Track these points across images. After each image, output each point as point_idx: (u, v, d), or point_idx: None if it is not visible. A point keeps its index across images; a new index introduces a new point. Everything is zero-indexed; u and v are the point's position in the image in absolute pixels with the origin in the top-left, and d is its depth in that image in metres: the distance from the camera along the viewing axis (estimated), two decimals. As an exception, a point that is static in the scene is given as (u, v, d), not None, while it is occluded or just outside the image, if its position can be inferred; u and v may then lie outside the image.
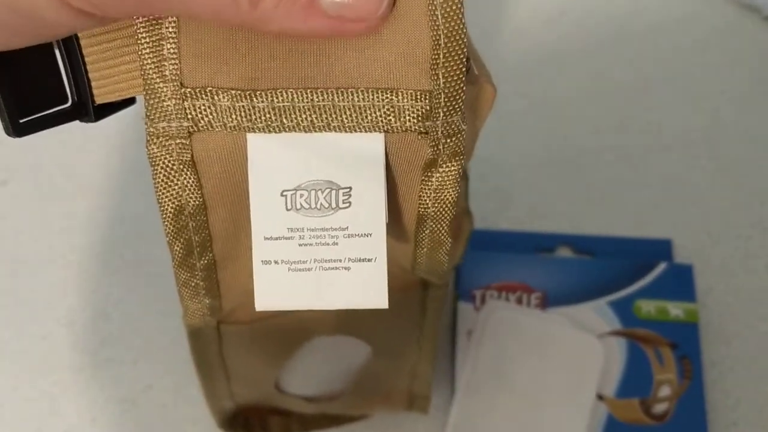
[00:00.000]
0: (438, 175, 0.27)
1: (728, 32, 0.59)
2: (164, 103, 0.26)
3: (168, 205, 0.28)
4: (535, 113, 0.56)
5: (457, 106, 0.26)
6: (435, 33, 0.25)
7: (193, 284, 0.31)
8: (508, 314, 0.46)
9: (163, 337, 0.48)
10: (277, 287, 0.28)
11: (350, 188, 0.27)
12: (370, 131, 0.26)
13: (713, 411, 0.45)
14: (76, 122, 0.29)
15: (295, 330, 0.36)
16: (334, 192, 0.27)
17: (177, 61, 0.25)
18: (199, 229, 0.29)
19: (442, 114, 0.26)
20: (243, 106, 0.26)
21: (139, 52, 0.25)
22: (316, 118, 0.26)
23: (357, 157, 0.26)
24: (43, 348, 0.48)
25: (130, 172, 0.54)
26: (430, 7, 0.25)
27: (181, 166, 0.27)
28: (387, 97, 0.26)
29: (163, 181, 0.27)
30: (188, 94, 0.25)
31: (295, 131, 0.26)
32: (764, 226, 0.51)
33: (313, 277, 0.28)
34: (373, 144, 0.26)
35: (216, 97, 0.25)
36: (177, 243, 0.29)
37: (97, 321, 0.48)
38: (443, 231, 0.30)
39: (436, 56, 0.25)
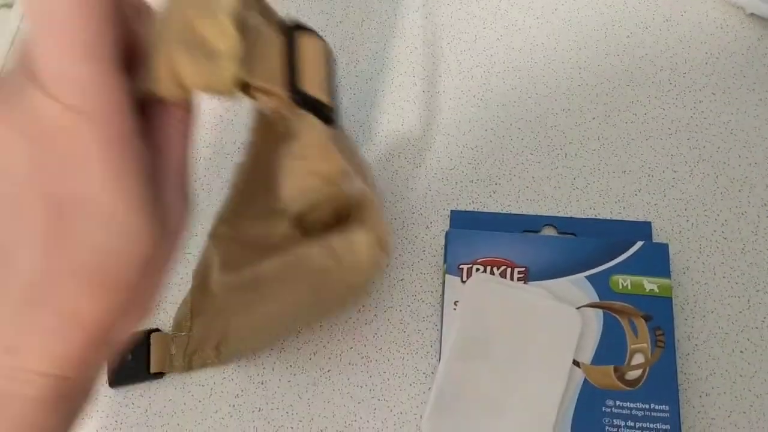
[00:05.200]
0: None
1: (712, 29, 0.60)
2: None
3: None
4: (525, 104, 0.57)
5: None
6: None
7: None
8: (492, 285, 0.47)
9: (167, 324, 0.50)
10: None
11: None
12: None
13: (686, 381, 0.47)
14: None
15: None
16: None
17: None
18: None
19: None
20: None
21: None
22: None
23: None
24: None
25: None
26: None
27: None
28: None
29: None
30: None
31: None
32: (741, 210, 0.52)
33: None
34: None
35: None
36: None
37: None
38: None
39: None
